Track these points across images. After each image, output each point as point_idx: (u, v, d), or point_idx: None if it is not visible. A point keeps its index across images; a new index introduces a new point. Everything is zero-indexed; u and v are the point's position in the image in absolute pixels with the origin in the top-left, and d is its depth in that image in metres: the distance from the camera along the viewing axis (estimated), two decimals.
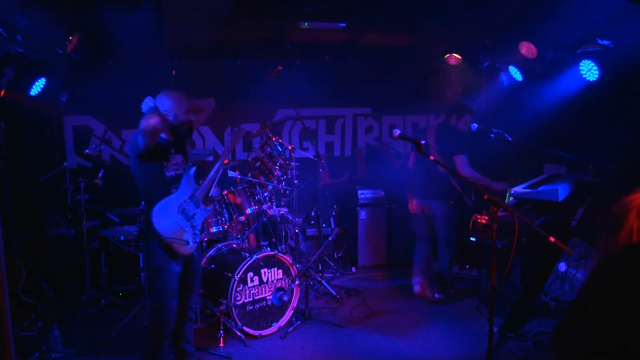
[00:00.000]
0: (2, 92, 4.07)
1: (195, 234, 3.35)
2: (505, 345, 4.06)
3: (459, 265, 6.00)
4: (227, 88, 6.22)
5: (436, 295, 5.09)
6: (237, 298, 4.18)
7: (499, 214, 2.69)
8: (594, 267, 1.09)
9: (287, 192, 5.08)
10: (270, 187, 4.72)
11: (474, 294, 5.26)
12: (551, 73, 4.81)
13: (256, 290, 4.32)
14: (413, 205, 5.13)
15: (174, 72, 3.77)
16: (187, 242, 3.26)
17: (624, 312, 0.86)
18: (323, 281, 5.32)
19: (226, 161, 4.80)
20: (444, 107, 6.95)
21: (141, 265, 4.62)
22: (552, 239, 2.51)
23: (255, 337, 4.27)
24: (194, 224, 3.34)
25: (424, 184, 4.96)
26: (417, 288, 5.09)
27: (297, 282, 4.52)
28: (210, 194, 4.76)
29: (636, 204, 1.20)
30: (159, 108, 3.21)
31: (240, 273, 4.17)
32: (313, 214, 6.06)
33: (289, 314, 4.50)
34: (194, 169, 3.38)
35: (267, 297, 4.39)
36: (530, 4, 4.30)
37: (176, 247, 3.21)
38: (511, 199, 4.90)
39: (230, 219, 4.59)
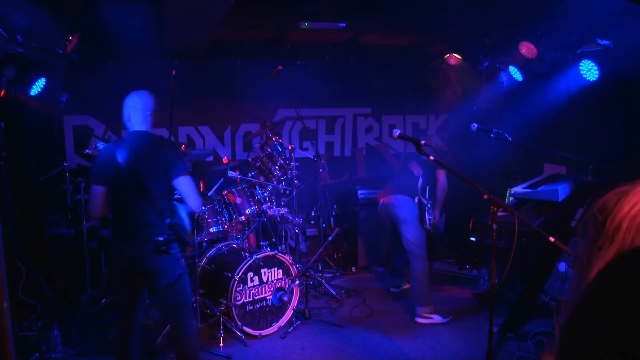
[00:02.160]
0: (2, 92, 4.07)
1: None
2: (505, 345, 4.06)
3: (459, 265, 6.01)
4: (227, 88, 6.23)
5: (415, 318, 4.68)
6: (237, 298, 4.18)
7: (499, 214, 2.69)
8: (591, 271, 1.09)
9: (287, 192, 5.08)
10: (270, 187, 4.72)
11: (474, 294, 5.26)
12: (551, 73, 4.81)
13: (256, 290, 4.32)
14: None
15: (174, 72, 3.76)
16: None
17: (629, 317, 0.86)
18: (323, 281, 5.33)
19: (226, 161, 4.81)
20: (444, 107, 7.00)
21: None
22: (552, 239, 2.51)
23: (255, 337, 4.27)
24: None
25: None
26: (394, 290, 5.40)
27: (297, 282, 4.52)
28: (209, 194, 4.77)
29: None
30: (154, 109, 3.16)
31: (240, 273, 4.17)
32: (313, 214, 6.07)
33: (289, 314, 4.50)
34: None
35: (267, 297, 4.39)
36: (530, 4, 4.30)
37: (190, 248, 3.21)
38: (511, 199, 4.91)
39: (230, 219, 4.59)
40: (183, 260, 3.15)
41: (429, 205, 4.85)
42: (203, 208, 4.39)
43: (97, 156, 3.19)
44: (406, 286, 5.27)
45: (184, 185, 3.05)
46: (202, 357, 3.32)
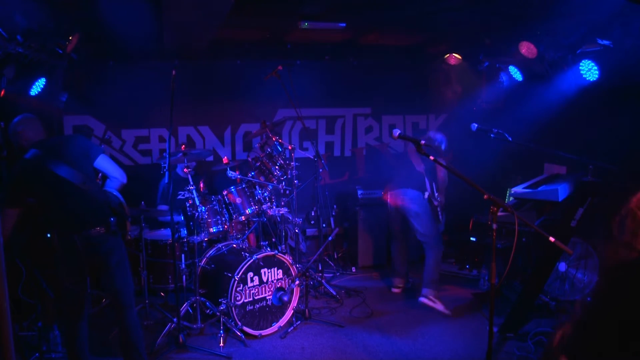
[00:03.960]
0: (2, 92, 4.07)
1: None
2: (505, 345, 4.06)
3: (459, 265, 6.01)
4: (227, 88, 6.23)
5: (420, 298, 4.98)
6: (237, 298, 4.18)
7: (499, 214, 2.69)
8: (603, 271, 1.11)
9: (287, 192, 5.08)
10: (270, 187, 4.72)
11: (474, 294, 5.26)
12: (551, 73, 4.81)
13: (256, 290, 4.32)
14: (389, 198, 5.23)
15: (174, 72, 3.76)
16: None
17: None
18: (323, 281, 5.33)
19: (226, 161, 4.80)
20: (444, 107, 7.00)
21: (141, 265, 4.62)
22: (552, 239, 2.51)
23: (255, 337, 4.27)
24: None
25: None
26: (395, 290, 5.42)
27: (297, 282, 4.52)
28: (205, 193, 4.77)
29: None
30: None
31: (240, 273, 4.17)
32: (313, 214, 6.07)
33: (289, 314, 4.50)
34: None
35: (267, 297, 4.39)
36: (530, 3, 4.30)
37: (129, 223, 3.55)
38: (511, 199, 4.91)
39: (230, 219, 4.59)
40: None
41: (438, 201, 5.08)
42: (203, 208, 4.39)
43: (10, 181, 3.28)
44: (401, 285, 5.35)
45: (105, 162, 3.39)
46: (144, 339, 3.51)
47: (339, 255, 6.47)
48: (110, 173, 3.42)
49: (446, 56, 6.01)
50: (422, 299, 4.90)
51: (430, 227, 4.89)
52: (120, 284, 3.36)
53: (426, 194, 4.95)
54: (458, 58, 5.96)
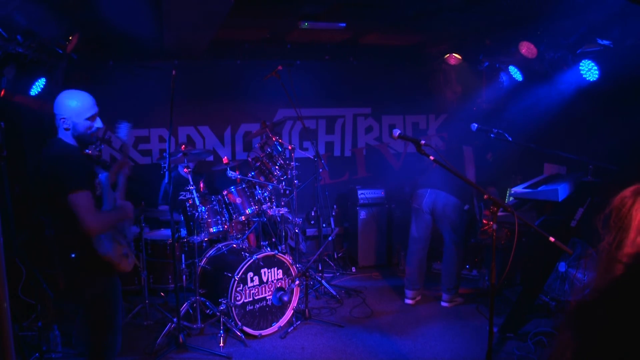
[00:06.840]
0: (2, 92, 4.07)
1: (129, 245, 3.05)
2: (505, 345, 4.06)
3: None
4: (227, 88, 6.23)
5: (442, 303, 4.99)
6: (237, 298, 4.18)
7: (499, 213, 2.69)
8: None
9: (287, 192, 5.08)
10: (270, 187, 4.72)
11: (474, 294, 5.26)
12: (551, 73, 4.81)
13: (256, 290, 4.32)
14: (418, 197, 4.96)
15: (174, 72, 3.76)
16: (127, 256, 2.93)
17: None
18: (323, 281, 5.33)
19: (226, 161, 4.80)
20: (444, 107, 7.00)
21: (141, 265, 4.62)
22: (552, 239, 2.51)
23: (255, 337, 4.27)
24: (126, 234, 3.04)
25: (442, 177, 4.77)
26: (409, 302, 5.09)
27: (297, 282, 4.52)
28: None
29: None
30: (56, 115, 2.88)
31: (240, 273, 4.17)
32: (313, 214, 6.07)
33: (289, 314, 4.50)
34: (104, 175, 3.09)
35: (267, 297, 4.39)
36: (530, 4, 4.29)
37: (117, 262, 2.82)
38: (511, 199, 4.91)
39: (230, 219, 4.59)
40: (101, 284, 2.89)
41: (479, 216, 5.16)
42: (203, 208, 4.39)
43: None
44: (419, 298, 5.12)
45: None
46: None
47: (339, 255, 6.46)
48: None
49: (446, 56, 6.00)
50: (446, 304, 4.96)
51: (461, 232, 4.90)
52: (96, 321, 2.95)
53: (466, 207, 4.93)
54: (458, 58, 5.95)
